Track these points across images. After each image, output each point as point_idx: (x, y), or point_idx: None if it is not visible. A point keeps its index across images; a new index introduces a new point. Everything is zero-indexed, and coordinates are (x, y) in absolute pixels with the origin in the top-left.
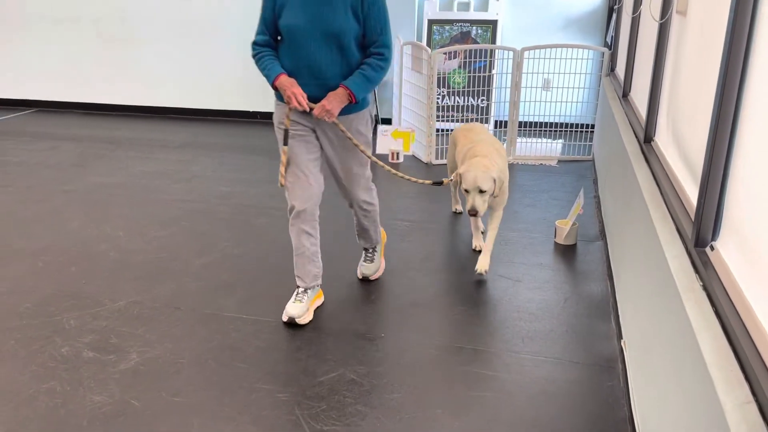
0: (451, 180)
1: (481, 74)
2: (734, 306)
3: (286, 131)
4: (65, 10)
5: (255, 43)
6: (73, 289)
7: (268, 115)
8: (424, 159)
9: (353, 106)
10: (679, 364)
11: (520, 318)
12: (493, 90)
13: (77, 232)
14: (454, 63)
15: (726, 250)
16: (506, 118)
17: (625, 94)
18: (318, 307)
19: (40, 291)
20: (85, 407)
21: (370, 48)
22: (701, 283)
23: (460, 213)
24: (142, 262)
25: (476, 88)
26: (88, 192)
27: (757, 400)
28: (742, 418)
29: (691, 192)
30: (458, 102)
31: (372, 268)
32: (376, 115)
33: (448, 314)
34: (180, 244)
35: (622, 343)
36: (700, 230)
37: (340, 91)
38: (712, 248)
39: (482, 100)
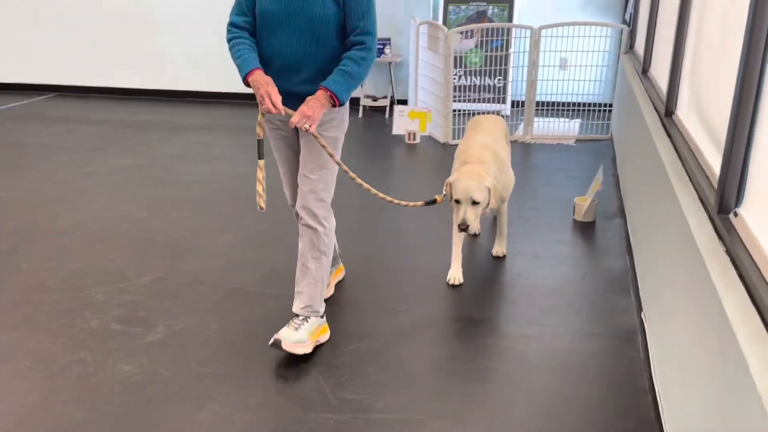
0: (445, 195)
1: (498, 53)
2: (758, 269)
3: (259, 142)
4: None
5: (231, 24)
6: (99, 266)
7: None
8: (441, 139)
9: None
10: (702, 328)
11: (539, 293)
12: (510, 69)
13: (101, 211)
14: (471, 43)
15: (750, 215)
16: (523, 98)
17: (644, 71)
18: (339, 282)
19: (68, 267)
20: (115, 376)
21: (350, 36)
22: (725, 249)
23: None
24: (165, 240)
25: (493, 68)
26: (110, 174)
27: None
28: None
29: (713, 162)
30: (474, 82)
31: (292, 336)
32: (392, 96)
33: (468, 289)
34: (202, 222)
35: (642, 316)
36: (724, 197)
37: (321, 94)
38: (735, 214)
39: (499, 79)
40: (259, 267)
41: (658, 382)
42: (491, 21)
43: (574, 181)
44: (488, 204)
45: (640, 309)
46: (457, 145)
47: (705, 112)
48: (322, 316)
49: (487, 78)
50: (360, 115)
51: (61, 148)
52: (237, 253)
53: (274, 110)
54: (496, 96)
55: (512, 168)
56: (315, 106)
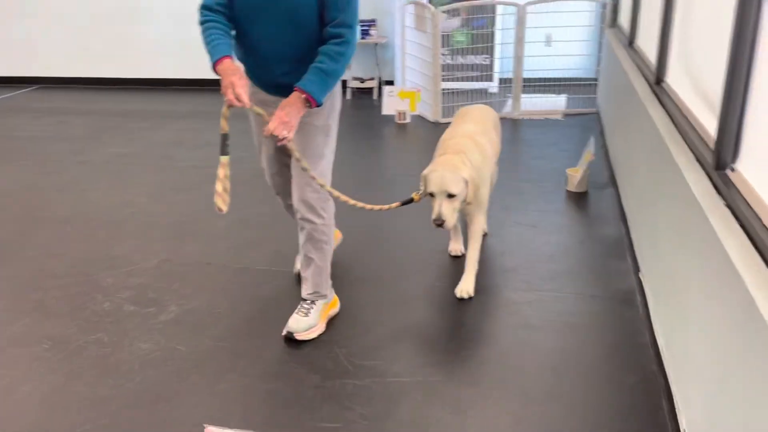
0: (422, 193)
1: (483, 31)
2: (759, 218)
3: (224, 136)
4: None
5: (204, 7)
6: (104, 251)
7: None
8: (431, 118)
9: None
10: (706, 278)
11: (538, 260)
12: (496, 46)
13: (99, 199)
14: (456, 22)
15: (746, 169)
16: (509, 75)
17: (631, 43)
18: (343, 253)
19: (73, 254)
20: (133, 354)
21: (327, 27)
22: (724, 202)
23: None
24: (167, 224)
25: (479, 45)
26: (104, 162)
27: None
28: None
29: (706, 123)
30: (461, 61)
31: (302, 322)
32: (380, 78)
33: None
34: (202, 206)
35: (641, 276)
36: (721, 154)
37: (296, 97)
38: (732, 169)
39: (485, 57)
40: (263, 247)
41: (660, 336)
42: None
43: (565, 153)
44: (466, 198)
45: (637, 271)
46: (447, 124)
47: (697, 77)
48: (329, 294)
49: (473, 56)
50: (348, 97)
51: (52, 139)
52: (240, 234)
53: (237, 103)
54: (483, 74)
55: (503, 144)
56: (291, 112)
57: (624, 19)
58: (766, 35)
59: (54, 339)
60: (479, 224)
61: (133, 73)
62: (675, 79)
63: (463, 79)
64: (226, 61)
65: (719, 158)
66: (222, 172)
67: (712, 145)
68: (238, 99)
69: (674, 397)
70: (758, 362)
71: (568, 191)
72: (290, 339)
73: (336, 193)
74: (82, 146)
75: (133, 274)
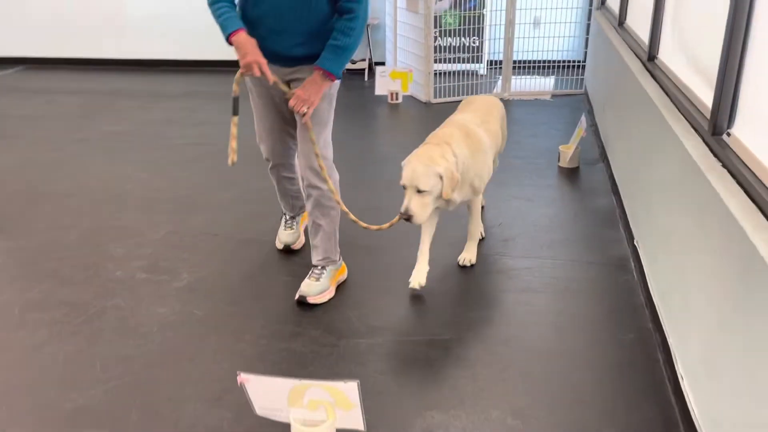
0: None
1: (473, 13)
2: (754, 174)
3: (235, 99)
4: None
5: None
6: (111, 224)
7: None
8: (423, 99)
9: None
10: (704, 234)
11: (536, 230)
12: (486, 28)
13: (100, 175)
14: (446, 3)
15: (742, 133)
16: (499, 57)
17: (621, 23)
18: (352, 228)
19: (80, 226)
20: (151, 318)
21: (340, 2)
22: (721, 164)
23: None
24: (170, 198)
25: (468, 27)
26: (101, 140)
27: None
28: None
29: (701, 93)
30: (451, 43)
31: (314, 287)
32: (370, 59)
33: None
34: (203, 181)
35: (636, 243)
36: (717, 120)
37: (317, 75)
38: (728, 134)
39: (474, 39)
40: (268, 218)
41: (656, 294)
42: None
43: (556, 132)
44: (440, 194)
45: (631, 239)
46: (439, 104)
47: (691, 49)
48: (338, 260)
49: (463, 38)
50: None
51: (45, 118)
52: (244, 207)
53: (258, 73)
54: (473, 55)
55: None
56: (313, 90)
57: (612, 0)
58: (762, 3)
59: (72, 304)
60: (477, 201)
61: (120, 54)
62: (668, 55)
63: (452, 61)
64: (242, 34)
65: (716, 124)
66: (235, 129)
67: (707, 113)
68: (263, 76)
69: (671, 349)
70: (757, 303)
71: (560, 167)
72: (303, 303)
73: (344, 208)
74: (75, 124)
75: (142, 245)
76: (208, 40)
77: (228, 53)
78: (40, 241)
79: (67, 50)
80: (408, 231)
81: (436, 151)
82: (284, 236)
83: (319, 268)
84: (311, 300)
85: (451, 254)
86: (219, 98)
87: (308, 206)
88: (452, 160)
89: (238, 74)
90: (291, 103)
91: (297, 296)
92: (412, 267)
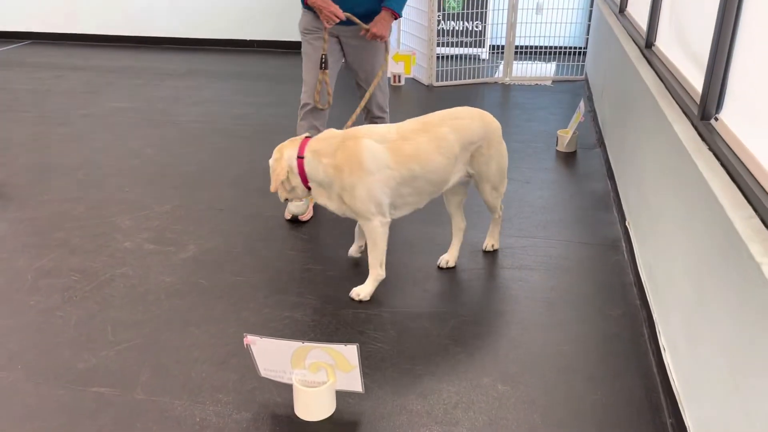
0: None
1: None
2: (737, 156)
3: (322, 57)
4: None
5: None
6: (119, 197)
7: (264, 44)
8: (425, 81)
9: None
10: (691, 213)
11: (532, 211)
12: (489, 12)
13: (107, 149)
14: None
15: (729, 118)
16: (501, 42)
17: (621, 10)
18: None
19: (89, 198)
20: (159, 286)
21: None
22: (708, 147)
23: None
24: (176, 173)
25: (471, 11)
26: (107, 115)
27: (758, 215)
28: (748, 226)
29: (693, 79)
30: (454, 26)
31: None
32: None
33: (467, 210)
34: (208, 158)
35: (627, 224)
36: (706, 106)
37: (384, 13)
38: (716, 119)
39: (477, 24)
40: (272, 195)
41: (643, 270)
42: None
43: (555, 117)
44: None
45: (623, 221)
46: (441, 87)
47: (686, 37)
48: None
49: (466, 22)
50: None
51: (51, 93)
52: (248, 183)
53: (336, 20)
54: (475, 39)
55: (495, 110)
56: (382, 25)
57: None
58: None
59: (82, 272)
60: (368, 227)
61: (125, 31)
62: (664, 43)
63: (456, 45)
64: None
65: (705, 109)
66: (327, 78)
67: (698, 99)
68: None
69: (655, 323)
70: (732, 274)
71: (558, 151)
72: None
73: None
74: (82, 100)
75: (149, 218)
76: (213, 19)
77: (229, 32)
78: (50, 212)
79: (74, 26)
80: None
81: (289, 141)
82: (293, 207)
83: None
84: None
85: (446, 232)
86: (222, 77)
87: None
88: (276, 156)
89: (325, 33)
90: (368, 36)
91: (289, 215)
92: (412, 244)
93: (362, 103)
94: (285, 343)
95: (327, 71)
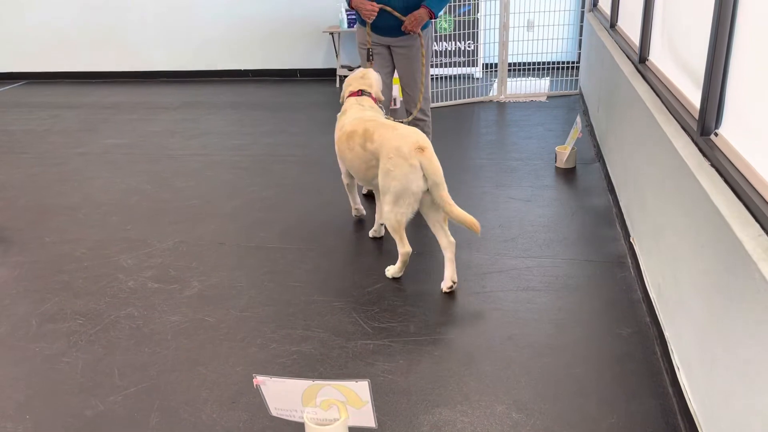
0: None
1: (467, 17)
2: (742, 174)
3: (368, 50)
4: None
5: None
6: (119, 235)
7: (259, 73)
8: None
9: (424, 25)
10: (696, 230)
11: (534, 230)
12: (480, 32)
13: (105, 187)
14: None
15: (729, 133)
16: (494, 60)
17: (612, 25)
18: (355, 233)
19: (90, 238)
20: (164, 325)
21: None
22: (709, 162)
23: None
24: (176, 208)
25: (463, 31)
26: (104, 153)
27: (766, 233)
28: (758, 245)
29: (690, 95)
30: (446, 47)
31: None
32: None
33: (470, 233)
34: (208, 191)
35: (632, 240)
36: (705, 121)
37: (422, 10)
38: (716, 134)
39: (469, 43)
40: (273, 226)
41: (652, 288)
42: None
43: (552, 133)
44: None
45: (627, 236)
46: (436, 108)
47: (680, 53)
48: None
49: (457, 42)
50: (337, 84)
51: (48, 132)
52: (249, 215)
53: (374, 14)
54: (468, 59)
55: (489, 126)
56: (416, 19)
57: (604, 2)
58: (745, 7)
59: (86, 315)
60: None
61: (119, 66)
62: (658, 58)
63: (448, 65)
64: None
65: (704, 125)
66: (370, 66)
67: (696, 114)
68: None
69: (667, 341)
70: (743, 294)
71: (557, 167)
72: None
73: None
74: (78, 138)
75: (151, 255)
76: (206, 50)
77: (223, 64)
78: (52, 255)
79: (68, 64)
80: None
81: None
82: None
83: None
84: None
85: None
86: (218, 108)
87: None
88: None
89: (367, 27)
90: (404, 26)
91: None
92: (419, 272)
93: (414, 113)
94: (295, 382)
95: (370, 63)
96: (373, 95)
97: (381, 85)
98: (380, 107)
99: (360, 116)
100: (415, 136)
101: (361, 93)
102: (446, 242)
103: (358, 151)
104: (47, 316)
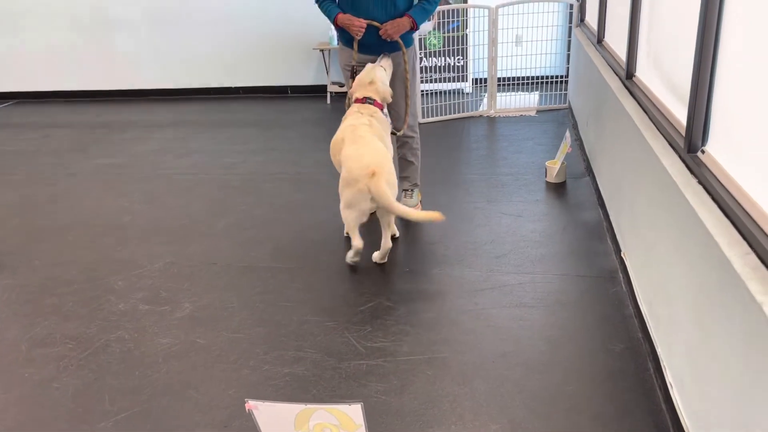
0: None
1: (456, 34)
2: (728, 191)
3: (352, 68)
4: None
5: None
6: (110, 256)
7: (250, 90)
8: None
9: (408, 40)
10: (684, 247)
11: (526, 246)
12: (469, 48)
13: (96, 208)
14: (429, 25)
15: (715, 151)
16: (483, 75)
17: (599, 41)
18: (347, 251)
19: (80, 260)
20: (155, 348)
21: None
22: (697, 180)
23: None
24: (168, 228)
25: (452, 48)
26: (95, 173)
27: (754, 251)
28: (745, 264)
29: (676, 112)
30: (435, 63)
31: (411, 202)
32: None
33: (462, 249)
34: (199, 210)
35: (623, 255)
36: (692, 138)
37: (405, 18)
38: (702, 152)
39: (459, 59)
40: (264, 245)
41: (644, 303)
42: (448, 3)
43: (542, 147)
44: None
45: (618, 251)
46: (426, 124)
47: (665, 70)
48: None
49: (447, 58)
50: (328, 101)
51: (38, 153)
52: (240, 234)
53: (362, 30)
54: (458, 75)
55: (480, 141)
56: (397, 26)
57: (591, 17)
58: (729, 27)
59: (76, 339)
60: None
61: (110, 85)
62: (644, 74)
63: (438, 80)
64: (341, 14)
65: (690, 142)
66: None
67: (683, 131)
68: (362, 29)
69: (659, 357)
70: (733, 311)
71: (547, 182)
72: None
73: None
74: (69, 158)
75: (142, 277)
76: (197, 68)
77: (217, 81)
78: (42, 277)
79: (58, 84)
80: (398, 257)
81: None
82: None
83: (410, 190)
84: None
85: (443, 273)
86: (209, 126)
87: (401, 150)
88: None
89: (355, 45)
90: (382, 32)
91: None
92: (411, 291)
93: (401, 131)
94: (287, 406)
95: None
96: (379, 100)
97: (387, 83)
98: (385, 114)
99: (352, 123)
100: (370, 158)
101: (365, 100)
102: (387, 240)
103: (338, 157)
104: (37, 341)
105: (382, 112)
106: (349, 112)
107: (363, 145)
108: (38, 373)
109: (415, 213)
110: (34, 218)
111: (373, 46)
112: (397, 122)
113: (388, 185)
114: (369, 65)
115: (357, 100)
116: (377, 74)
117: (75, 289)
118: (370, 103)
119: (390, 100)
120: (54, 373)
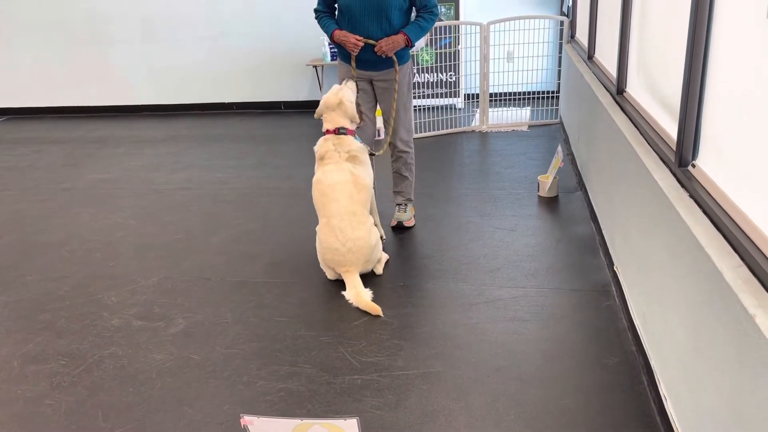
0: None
1: (448, 50)
2: (719, 205)
3: (354, 78)
4: (31, 15)
5: (315, 10)
6: (104, 272)
7: (243, 105)
8: None
9: (403, 57)
10: (676, 261)
11: (520, 260)
12: (461, 64)
13: (90, 223)
14: (421, 42)
15: (705, 165)
16: (475, 91)
17: (590, 57)
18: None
19: (74, 276)
20: (149, 364)
21: (420, 11)
22: (688, 194)
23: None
24: (161, 243)
25: (444, 63)
26: (88, 188)
27: (745, 263)
28: (737, 276)
29: (667, 126)
30: (428, 78)
31: (405, 215)
32: None
33: (456, 264)
34: (193, 225)
35: (615, 269)
36: (682, 153)
37: (400, 35)
38: (693, 166)
39: (451, 75)
40: (258, 260)
41: (637, 317)
42: (440, 20)
43: (534, 162)
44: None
45: (611, 264)
46: (419, 140)
47: (656, 85)
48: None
49: (439, 74)
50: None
51: (32, 168)
52: (234, 249)
53: (358, 47)
54: (450, 90)
55: (473, 156)
56: (392, 43)
57: (581, 34)
58: (718, 42)
59: (69, 355)
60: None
61: (102, 101)
62: (635, 89)
63: (431, 96)
64: (337, 30)
65: (681, 156)
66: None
67: (673, 145)
68: (357, 45)
69: (653, 370)
70: (726, 324)
71: (540, 196)
72: (400, 227)
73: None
74: (62, 174)
75: (136, 292)
76: (190, 83)
77: (210, 96)
78: (35, 293)
79: (51, 99)
80: (392, 272)
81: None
82: (399, 216)
83: (404, 204)
84: (406, 224)
85: (437, 287)
86: (202, 141)
87: (396, 164)
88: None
89: (352, 61)
90: (377, 48)
91: (394, 222)
92: (405, 304)
93: (384, 145)
94: (283, 421)
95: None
96: (348, 125)
97: (354, 99)
98: (357, 138)
99: (332, 171)
100: (345, 249)
101: (338, 131)
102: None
103: (318, 200)
104: (29, 357)
105: (355, 136)
106: (324, 148)
107: (339, 230)
108: (31, 390)
109: (365, 303)
110: (27, 234)
111: (370, 61)
112: (391, 136)
113: (362, 268)
114: (335, 86)
115: (328, 132)
116: (345, 95)
117: (68, 304)
118: (343, 133)
119: (357, 120)
120: (47, 390)
